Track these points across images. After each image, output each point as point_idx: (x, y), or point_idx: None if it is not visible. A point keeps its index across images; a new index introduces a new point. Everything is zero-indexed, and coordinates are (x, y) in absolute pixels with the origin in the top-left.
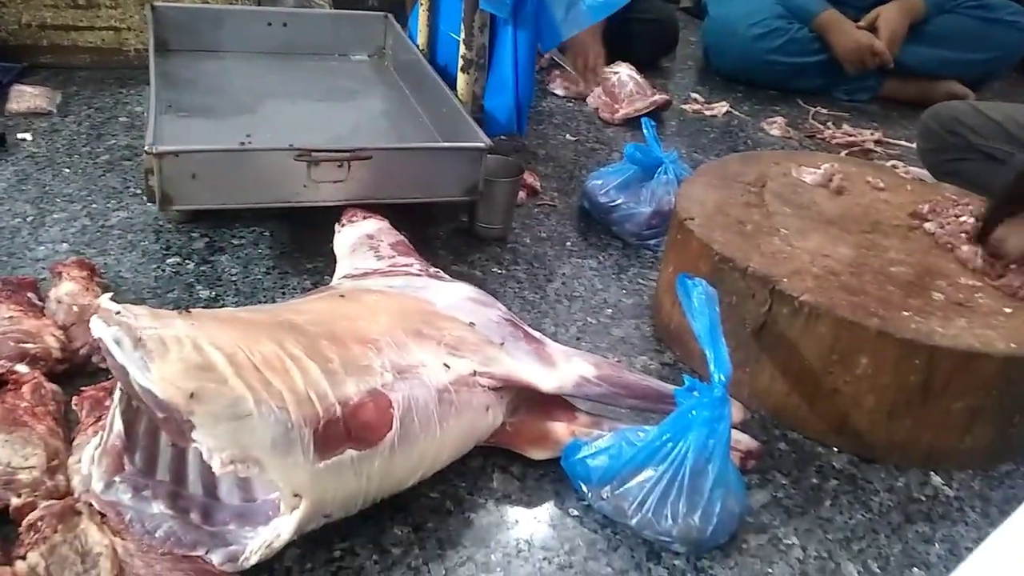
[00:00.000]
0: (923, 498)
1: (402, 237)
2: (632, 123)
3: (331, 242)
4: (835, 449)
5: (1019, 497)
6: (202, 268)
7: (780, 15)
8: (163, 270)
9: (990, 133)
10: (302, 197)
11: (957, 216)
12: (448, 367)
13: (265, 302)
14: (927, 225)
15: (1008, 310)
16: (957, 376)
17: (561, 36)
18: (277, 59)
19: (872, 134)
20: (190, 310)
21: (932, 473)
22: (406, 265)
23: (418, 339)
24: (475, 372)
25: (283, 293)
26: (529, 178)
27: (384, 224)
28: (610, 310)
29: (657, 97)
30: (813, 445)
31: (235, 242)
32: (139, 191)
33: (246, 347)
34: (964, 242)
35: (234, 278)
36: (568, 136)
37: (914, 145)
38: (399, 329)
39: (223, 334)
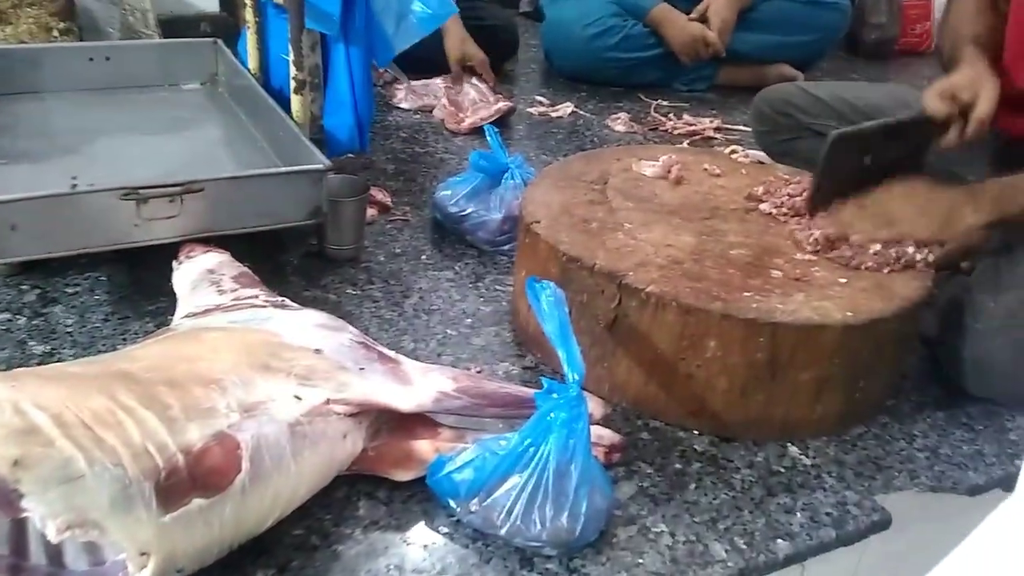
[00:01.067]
0: (782, 470)
1: (245, 269)
2: (480, 131)
3: (172, 280)
4: (695, 432)
5: (872, 457)
6: (34, 322)
7: (615, 13)
8: None
9: (818, 111)
10: (134, 237)
11: (790, 196)
12: (299, 399)
13: (105, 351)
14: (763, 206)
15: (843, 280)
16: (800, 349)
17: (394, 50)
18: (103, 95)
19: (711, 121)
20: (11, 371)
21: (789, 444)
22: (250, 297)
23: (265, 373)
24: (328, 400)
25: (124, 340)
26: (379, 194)
27: (225, 257)
28: (469, 320)
29: (501, 104)
30: (674, 431)
31: (69, 291)
32: None
33: (74, 404)
34: (797, 220)
35: (70, 329)
36: (417, 148)
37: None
38: (244, 365)
39: (47, 393)
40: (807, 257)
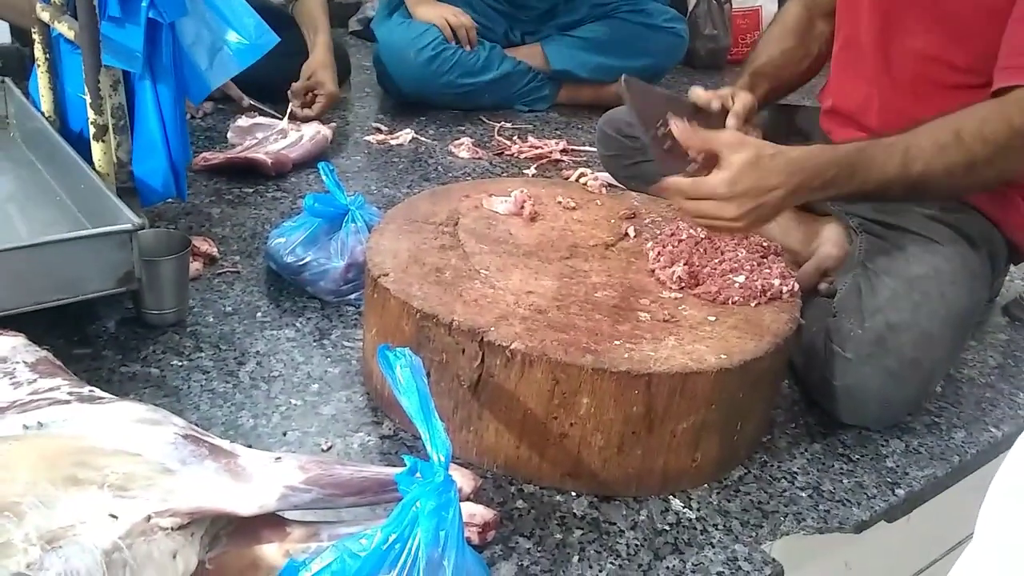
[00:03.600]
0: (667, 528)
1: (44, 353)
2: (313, 166)
3: None
4: (573, 494)
5: (756, 503)
6: None
7: (446, 38)
8: None
9: None
10: None
11: (672, 235)
12: (116, 517)
13: None
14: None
15: (712, 318)
16: (677, 398)
17: (210, 86)
18: None
19: (557, 143)
20: None
21: (671, 497)
22: (51, 389)
23: (72, 488)
24: (151, 516)
25: None
26: (203, 244)
27: (18, 340)
28: (316, 385)
29: (305, 132)
30: (551, 494)
31: None
32: None
33: None
34: (657, 256)
35: None
36: (244, 188)
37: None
38: (45, 481)
39: None
40: (674, 295)
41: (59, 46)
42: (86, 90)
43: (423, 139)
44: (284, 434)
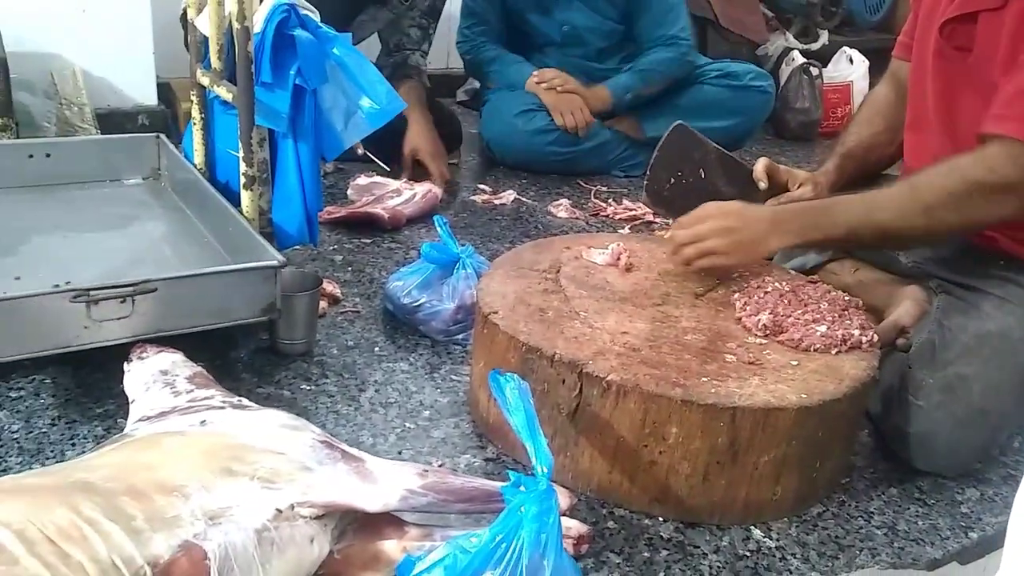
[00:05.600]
0: (748, 554)
1: (199, 368)
2: (426, 221)
3: (122, 382)
4: (660, 519)
5: (833, 537)
6: None
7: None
8: None
9: None
10: (84, 339)
11: (758, 287)
12: (265, 503)
13: (54, 457)
14: (719, 292)
15: (794, 363)
16: (759, 432)
17: (343, 145)
18: (44, 192)
19: None
20: None
21: (752, 527)
22: (207, 398)
23: (229, 478)
24: (294, 505)
25: (73, 445)
26: (329, 286)
27: (178, 356)
28: (427, 412)
29: (418, 190)
30: (639, 518)
31: (13, 395)
32: None
33: (36, 519)
34: (744, 305)
35: (15, 435)
36: (363, 239)
37: None
38: (206, 470)
39: (8, 507)
40: (759, 341)
41: (213, 107)
42: (239, 145)
43: (524, 200)
44: (399, 452)
